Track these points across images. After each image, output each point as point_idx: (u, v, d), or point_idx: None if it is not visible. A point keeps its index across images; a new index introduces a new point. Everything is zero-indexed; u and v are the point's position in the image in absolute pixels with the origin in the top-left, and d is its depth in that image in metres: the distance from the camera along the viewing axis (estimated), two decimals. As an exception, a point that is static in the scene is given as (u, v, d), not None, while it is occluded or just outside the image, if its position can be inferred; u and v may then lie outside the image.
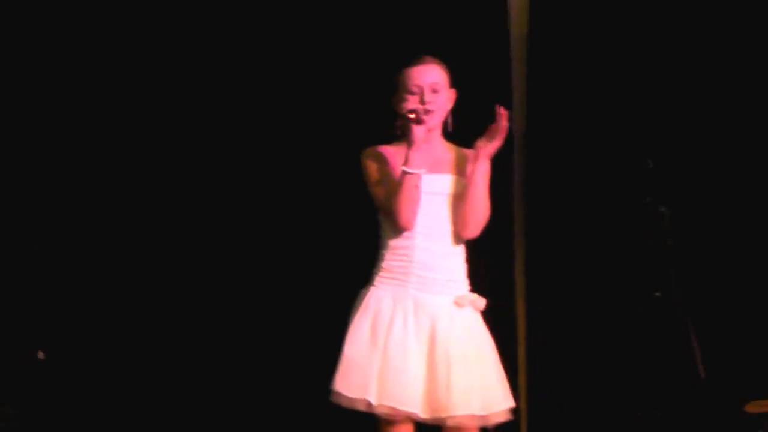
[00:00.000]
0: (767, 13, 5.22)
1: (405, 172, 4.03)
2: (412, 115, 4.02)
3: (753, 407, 4.73)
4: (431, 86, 4.12)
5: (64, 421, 5.38)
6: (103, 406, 5.43)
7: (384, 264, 4.14)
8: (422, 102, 4.08)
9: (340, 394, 4.04)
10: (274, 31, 5.49)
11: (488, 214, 4.15)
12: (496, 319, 4.31)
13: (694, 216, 5.13)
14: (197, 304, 5.45)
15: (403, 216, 4.06)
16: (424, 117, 4.04)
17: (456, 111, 4.24)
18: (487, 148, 4.12)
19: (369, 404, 4.00)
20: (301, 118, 5.46)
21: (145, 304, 5.47)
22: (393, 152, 4.15)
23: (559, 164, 5.35)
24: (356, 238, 4.73)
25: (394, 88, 4.18)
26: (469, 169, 4.14)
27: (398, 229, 4.10)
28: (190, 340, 5.45)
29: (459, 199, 4.15)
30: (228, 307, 5.46)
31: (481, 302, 4.16)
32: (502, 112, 4.13)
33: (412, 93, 4.12)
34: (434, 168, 4.14)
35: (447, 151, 4.22)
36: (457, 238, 4.16)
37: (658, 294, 4.24)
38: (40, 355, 5.27)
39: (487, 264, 4.51)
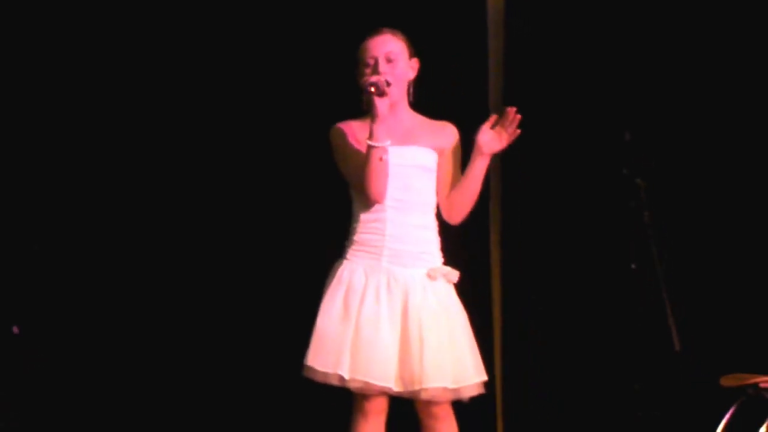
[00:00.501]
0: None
1: (370, 146, 4.01)
2: (372, 89, 4.00)
3: (728, 381, 4.74)
4: (386, 56, 4.11)
5: (64, 421, 5.36)
6: (102, 405, 5.41)
7: (356, 237, 4.13)
8: (375, 72, 4.06)
9: (313, 369, 4.04)
10: (259, 30, 5.47)
11: (474, 200, 4.17)
12: (471, 294, 4.31)
13: (672, 189, 5.14)
14: (222, 298, 5.43)
15: (373, 189, 4.05)
16: (385, 89, 4.01)
17: (430, 86, 4.23)
18: (492, 148, 4.12)
19: (342, 378, 4.00)
20: (272, 95, 5.43)
21: (128, 291, 5.44)
22: (359, 127, 4.14)
23: (535, 137, 5.33)
24: (328, 211, 4.73)
25: (355, 63, 4.17)
26: (473, 164, 4.14)
27: (370, 203, 4.09)
28: (164, 315, 5.42)
29: (429, 171, 4.15)
30: (203, 281, 5.43)
31: (455, 275, 4.15)
32: (515, 116, 4.12)
33: (368, 65, 4.11)
34: (403, 140, 4.13)
35: (415, 122, 4.21)
36: (430, 210, 4.16)
37: (633, 266, 4.24)
38: (15, 330, 5.24)
39: (462, 238, 4.51)
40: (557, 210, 5.34)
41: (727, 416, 4.71)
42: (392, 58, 4.11)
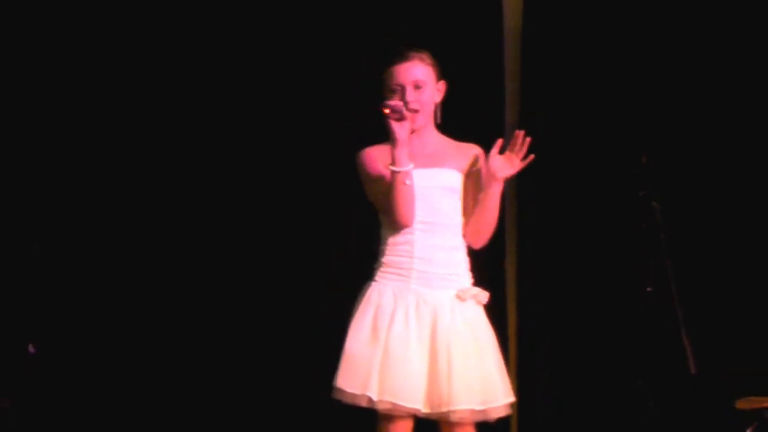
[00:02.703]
0: (758, 6, 5.21)
1: (393, 171, 4.01)
2: (387, 110, 3.99)
3: (743, 404, 4.73)
4: (413, 83, 4.09)
5: (64, 421, 5.37)
6: (102, 405, 5.41)
7: (384, 259, 4.13)
8: (402, 101, 4.04)
9: (341, 390, 4.03)
10: (268, 32, 5.47)
11: (494, 224, 4.15)
12: (487, 315, 4.30)
13: (687, 211, 5.13)
14: (199, 302, 5.43)
15: (400, 214, 4.04)
16: (406, 113, 3.99)
17: (447, 104, 4.22)
18: (504, 172, 4.11)
19: (370, 400, 3.99)
20: (303, 119, 5.45)
21: (150, 303, 5.45)
22: (385, 151, 4.11)
23: (551, 158, 5.33)
24: (357, 233, 4.73)
25: (381, 86, 4.14)
26: (485, 190, 4.12)
27: (398, 226, 4.08)
28: (192, 338, 5.43)
29: (455, 192, 4.15)
30: (229, 303, 5.44)
31: (484, 296, 4.14)
32: (524, 139, 4.12)
33: (394, 92, 4.08)
34: (429, 162, 4.12)
35: (441, 144, 4.20)
36: (458, 231, 4.15)
37: (649, 289, 4.23)
38: (31, 348, 5.25)
39: (478, 260, 4.51)
40: (572, 232, 5.33)
41: (743, 439, 4.71)
42: (420, 85, 4.10)
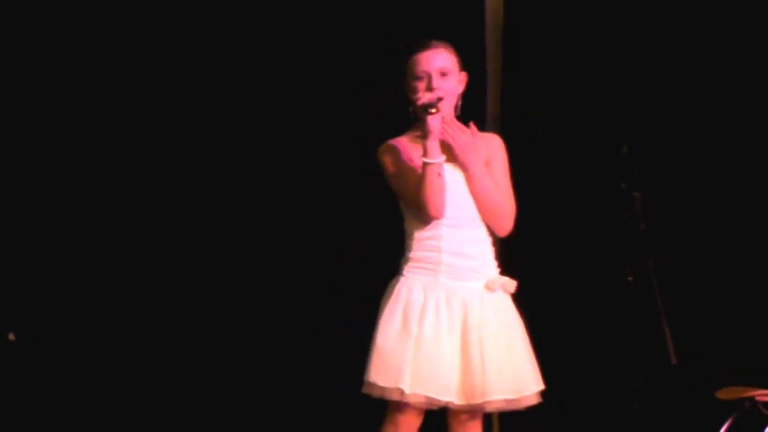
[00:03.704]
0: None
1: (426, 163, 3.99)
2: (433, 110, 3.98)
3: (724, 394, 4.74)
4: (439, 71, 4.09)
5: (64, 422, 5.38)
6: (102, 405, 5.42)
7: (411, 254, 4.11)
8: (429, 88, 4.04)
9: (373, 384, 4.01)
10: (264, 33, 5.49)
11: (508, 208, 4.14)
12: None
13: (668, 202, 5.15)
14: (198, 302, 5.45)
15: (432, 206, 4.02)
16: (438, 106, 4.00)
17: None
18: (459, 159, 4.09)
19: (402, 393, 3.97)
20: (317, 113, 5.46)
21: (147, 303, 5.46)
22: (410, 143, 4.13)
23: (532, 149, 5.35)
24: (379, 227, 4.76)
25: (403, 75, 4.13)
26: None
27: (425, 219, 4.07)
28: (189, 339, 5.44)
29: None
30: (252, 300, 5.45)
31: (512, 285, 4.16)
32: (472, 129, 4.13)
33: (419, 79, 4.07)
34: (450, 155, 4.10)
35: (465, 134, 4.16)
36: (482, 223, 4.14)
37: (630, 279, 4.24)
38: (11, 336, 5.24)
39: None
40: (553, 222, 5.34)
41: (723, 429, 4.72)
42: (446, 72, 4.10)
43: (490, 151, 4.17)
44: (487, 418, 5.19)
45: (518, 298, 5.34)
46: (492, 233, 4.16)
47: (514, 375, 4.05)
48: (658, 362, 4.27)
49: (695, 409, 4.95)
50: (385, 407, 4.06)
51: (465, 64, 5.28)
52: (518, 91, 5.42)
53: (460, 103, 4.15)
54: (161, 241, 5.46)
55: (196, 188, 5.46)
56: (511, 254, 5.33)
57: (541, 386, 4.13)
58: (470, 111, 5.25)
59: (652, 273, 4.16)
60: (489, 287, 4.10)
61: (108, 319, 5.43)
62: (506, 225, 4.16)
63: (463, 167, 4.09)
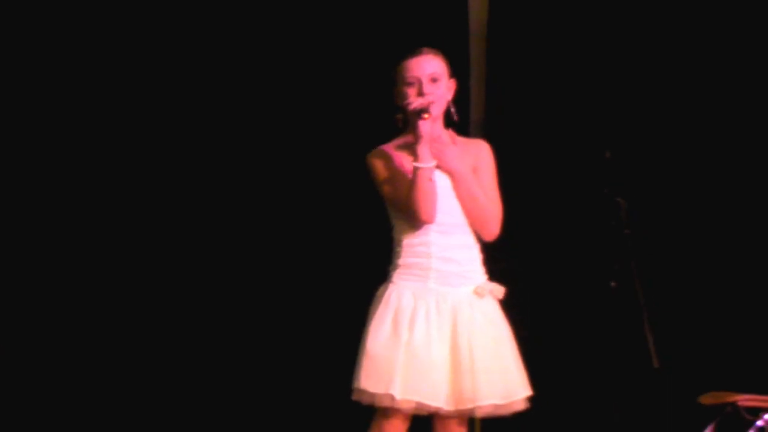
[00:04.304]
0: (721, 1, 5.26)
1: (416, 168, 4.00)
2: (426, 115, 3.99)
3: (706, 399, 4.75)
4: (430, 76, 4.09)
5: (64, 422, 5.37)
6: (97, 405, 5.42)
7: (401, 261, 4.11)
8: (420, 93, 4.06)
9: (363, 391, 4.00)
10: (260, 35, 5.49)
11: (495, 212, 4.15)
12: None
13: (652, 207, 5.16)
14: (211, 306, 5.45)
15: (423, 211, 4.02)
16: (430, 111, 4.01)
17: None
18: (445, 166, 4.10)
19: (393, 398, 3.96)
20: (302, 120, 5.46)
21: (144, 301, 5.46)
22: (399, 149, 4.13)
23: (516, 155, 5.36)
24: (366, 234, 4.79)
25: (392, 82, 4.14)
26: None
27: (415, 225, 4.07)
28: (201, 343, 5.44)
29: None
30: (240, 307, 5.45)
31: (500, 291, 4.17)
32: (451, 135, 4.15)
33: (410, 85, 4.08)
34: (441, 164, 4.09)
35: (451, 142, 4.19)
36: (470, 230, 4.14)
37: (613, 284, 4.25)
38: None
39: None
40: (538, 229, 5.35)
41: (706, 434, 4.73)
42: (437, 78, 4.11)
43: (478, 157, 4.18)
44: (469, 423, 5.21)
45: (503, 303, 5.38)
46: (479, 239, 4.16)
47: (503, 380, 4.06)
48: (640, 366, 4.27)
49: (678, 414, 4.95)
50: (371, 414, 4.05)
51: (449, 69, 5.33)
52: (502, 96, 5.42)
53: (453, 110, 4.16)
54: (154, 241, 5.46)
55: (232, 207, 5.47)
56: (495, 259, 5.39)
57: (529, 392, 4.13)
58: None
59: (636, 278, 4.17)
60: (478, 293, 4.11)
61: (101, 319, 5.42)
62: (493, 229, 4.17)
63: (449, 173, 4.10)
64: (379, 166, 4.13)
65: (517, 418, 5.25)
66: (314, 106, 5.44)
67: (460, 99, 5.34)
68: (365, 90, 5.01)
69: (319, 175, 5.42)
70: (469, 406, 4.01)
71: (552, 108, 5.35)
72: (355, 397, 4.03)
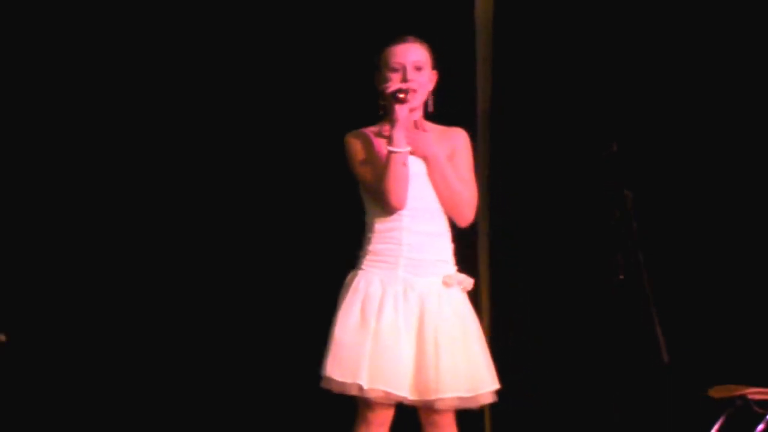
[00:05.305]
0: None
1: (391, 152, 4.00)
2: (402, 95, 4.00)
3: (716, 392, 4.74)
4: (414, 64, 4.10)
5: (63, 423, 5.36)
6: (93, 405, 5.41)
7: (371, 247, 4.11)
8: (404, 80, 4.06)
9: (330, 379, 4.00)
10: (238, 19, 5.45)
11: (469, 197, 4.13)
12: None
13: (659, 200, 5.13)
14: (177, 289, 5.42)
15: (394, 196, 4.02)
16: (409, 96, 4.01)
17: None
18: (420, 152, 4.09)
19: (361, 388, 3.96)
20: (281, 104, 5.43)
21: (136, 299, 5.44)
22: (376, 134, 4.13)
23: (523, 147, 5.34)
24: (338, 220, 4.76)
25: (375, 67, 4.15)
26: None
27: (387, 211, 4.07)
28: (172, 327, 5.42)
29: None
30: (207, 293, 5.42)
31: (469, 282, 4.15)
32: (420, 124, 4.15)
33: (394, 70, 4.09)
34: (416, 149, 4.09)
35: (428, 130, 4.18)
36: (443, 217, 4.14)
37: (621, 277, 4.22)
38: (2, 337, 5.22)
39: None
40: (545, 221, 5.33)
41: (716, 427, 4.72)
42: (421, 66, 4.12)
43: (454, 144, 4.17)
44: (479, 420, 5.20)
45: (510, 297, 5.36)
46: (454, 226, 4.15)
47: (470, 373, 4.04)
48: (650, 361, 4.24)
49: (688, 408, 4.94)
50: (341, 403, 4.05)
51: (455, 62, 5.30)
52: (508, 86, 5.40)
53: (432, 101, 4.16)
54: (149, 239, 5.44)
55: (203, 195, 5.44)
56: (504, 252, 5.38)
57: (496, 385, 4.11)
58: (460, 106, 5.30)
59: (643, 271, 4.14)
60: (446, 283, 4.10)
61: (95, 318, 5.41)
62: (468, 215, 4.16)
63: (424, 158, 4.10)
64: (355, 146, 4.13)
65: (527, 414, 5.26)
66: (306, 94, 5.40)
67: (467, 90, 5.38)
68: (369, 81, 4.97)
69: (295, 159, 5.38)
70: (432, 397, 3.99)
71: (560, 99, 5.33)
72: (324, 385, 4.02)
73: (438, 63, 5.15)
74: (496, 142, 5.39)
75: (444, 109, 4.76)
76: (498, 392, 4.10)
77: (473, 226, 5.22)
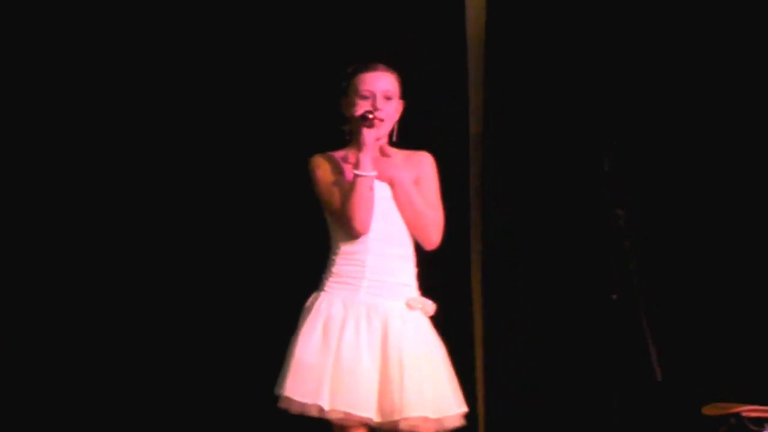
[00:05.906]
0: (723, 6, 5.24)
1: (357, 176, 4.02)
2: (371, 116, 4.03)
3: (710, 410, 4.74)
4: (384, 93, 4.13)
5: (62, 423, 5.34)
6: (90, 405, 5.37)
7: (335, 269, 4.13)
8: (374, 108, 4.08)
9: (290, 399, 4.00)
10: (219, 36, 5.43)
11: (435, 219, 4.15)
12: (452, 324, 4.31)
13: (652, 218, 5.14)
14: (145, 307, 5.37)
15: (358, 220, 4.05)
16: (376, 123, 4.04)
17: (410, 113, 4.23)
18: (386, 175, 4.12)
19: (321, 409, 3.97)
20: (249, 124, 5.39)
21: (126, 297, 5.39)
22: (342, 158, 4.15)
23: (515, 167, 5.35)
24: (302, 242, 4.77)
25: (343, 92, 4.17)
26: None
27: (352, 234, 4.09)
28: (134, 343, 5.37)
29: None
30: (171, 311, 5.37)
31: (432, 307, 4.17)
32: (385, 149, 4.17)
33: (363, 98, 4.12)
34: (381, 173, 4.12)
35: (393, 155, 4.20)
36: (408, 240, 4.17)
37: (614, 296, 4.23)
38: None
39: (443, 268, 4.50)
40: (537, 240, 5.33)
41: (710, 445, 4.71)
42: (390, 96, 4.13)
43: (420, 168, 4.20)
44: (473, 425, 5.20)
45: (504, 315, 5.36)
46: (420, 249, 4.17)
47: (435, 394, 4.04)
48: (643, 379, 4.25)
49: (681, 426, 4.94)
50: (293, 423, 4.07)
51: (447, 79, 5.32)
52: (500, 106, 5.40)
53: (396, 130, 4.18)
54: (141, 238, 5.41)
55: (175, 212, 5.40)
56: (499, 270, 5.38)
57: (464, 408, 4.12)
58: (452, 126, 5.31)
59: (637, 290, 4.15)
60: (410, 305, 4.11)
61: (90, 318, 5.38)
62: (434, 238, 4.18)
63: (390, 182, 4.13)
64: (321, 169, 4.15)
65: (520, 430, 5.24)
66: (276, 114, 5.38)
67: (459, 109, 5.38)
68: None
69: (258, 180, 5.36)
70: (397, 417, 3.99)
71: (552, 118, 5.34)
72: (282, 405, 4.02)
73: (429, 84, 5.20)
74: (487, 162, 5.38)
75: (436, 130, 4.81)
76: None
77: (467, 244, 5.30)
